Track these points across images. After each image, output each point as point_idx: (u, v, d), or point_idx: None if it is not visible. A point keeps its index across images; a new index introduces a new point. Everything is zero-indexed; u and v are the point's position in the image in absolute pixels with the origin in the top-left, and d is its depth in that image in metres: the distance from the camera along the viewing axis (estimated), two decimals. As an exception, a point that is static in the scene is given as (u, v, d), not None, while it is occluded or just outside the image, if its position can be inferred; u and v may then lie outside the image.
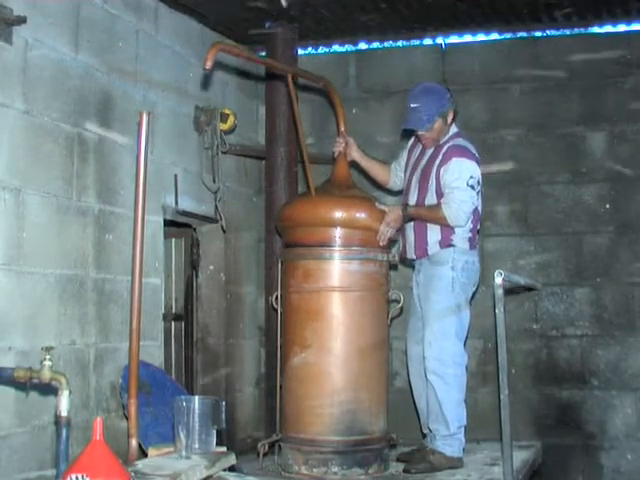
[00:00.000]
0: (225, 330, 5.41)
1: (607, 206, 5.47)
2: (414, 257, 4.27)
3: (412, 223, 4.24)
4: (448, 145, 4.19)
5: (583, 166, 5.52)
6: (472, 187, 4.08)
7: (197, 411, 3.28)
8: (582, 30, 5.58)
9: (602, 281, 5.43)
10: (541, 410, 5.45)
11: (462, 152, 4.14)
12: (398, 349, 5.51)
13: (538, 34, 5.65)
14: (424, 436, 4.44)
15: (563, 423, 5.41)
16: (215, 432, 3.35)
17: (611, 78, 5.50)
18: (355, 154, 4.43)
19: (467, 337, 4.33)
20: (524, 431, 5.30)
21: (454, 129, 4.31)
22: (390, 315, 4.36)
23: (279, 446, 4.26)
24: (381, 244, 4.12)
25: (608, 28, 5.55)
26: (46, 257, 3.77)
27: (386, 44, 5.87)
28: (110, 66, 4.27)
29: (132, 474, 2.87)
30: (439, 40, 5.77)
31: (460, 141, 4.22)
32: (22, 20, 3.56)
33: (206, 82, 5.17)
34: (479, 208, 4.25)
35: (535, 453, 4.91)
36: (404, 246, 4.33)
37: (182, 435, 3.24)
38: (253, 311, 5.71)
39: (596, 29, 5.57)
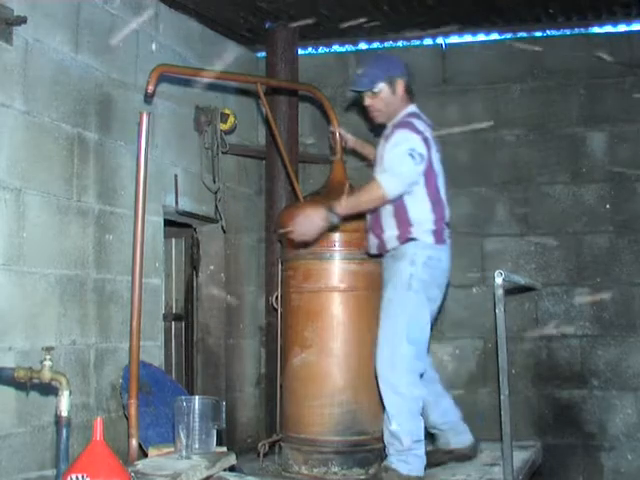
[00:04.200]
0: (225, 330, 5.41)
1: (607, 206, 5.47)
2: (375, 252, 3.97)
3: (369, 218, 3.96)
4: (398, 123, 3.88)
5: (583, 166, 5.52)
6: (412, 156, 3.68)
7: (197, 411, 3.29)
8: (582, 30, 5.58)
9: (602, 281, 5.43)
10: (541, 410, 5.45)
11: (406, 125, 3.80)
12: (398, 349, 5.51)
13: (538, 34, 5.65)
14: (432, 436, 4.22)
15: (563, 423, 5.40)
16: (215, 432, 3.35)
17: (611, 78, 5.49)
18: (352, 143, 4.39)
19: (429, 343, 3.93)
20: (524, 431, 5.30)
21: (412, 109, 3.95)
22: (390, 315, 4.36)
23: (279, 446, 4.27)
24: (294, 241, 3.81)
25: (608, 28, 5.55)
26: (46, 257, 3.77)
27: (386, 44, 5.87)
28: (110, 66, 4.27)
29: (132, 474, 2.88)
30: (439, 40, 5.77)
31: (410, 119, 3.86)
32: (22, 20, 3.56)
33: (206, 82, 5.17)
34: (443, 197, 3.87)
35: (535, 453, 4.90)
36: (367, 243, 4.04)
37: (182, 435, 3.24)
38: (253, 311, 5.71)
39: (596, 29, 5.57)
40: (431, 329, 3.86)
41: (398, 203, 3.77)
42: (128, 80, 4.42)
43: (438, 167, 3.86)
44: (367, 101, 3.92)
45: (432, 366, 4.13)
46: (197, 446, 3.26)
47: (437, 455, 4.08)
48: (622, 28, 5.52)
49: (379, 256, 4.00)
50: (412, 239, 3.75)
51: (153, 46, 4.66)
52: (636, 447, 5.31)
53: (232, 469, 3.43)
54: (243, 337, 5.61)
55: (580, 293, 5.46)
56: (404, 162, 3.67)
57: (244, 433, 5.47)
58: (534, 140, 5.60)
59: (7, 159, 3.56)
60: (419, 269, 3.71)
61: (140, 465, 3.13)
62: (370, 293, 4.14)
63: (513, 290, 5.05)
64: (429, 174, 3.78)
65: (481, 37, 5.74)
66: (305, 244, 3.92)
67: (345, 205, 3.68)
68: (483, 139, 5.64)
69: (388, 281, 3.83)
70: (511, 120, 5.64)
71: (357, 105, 4.15)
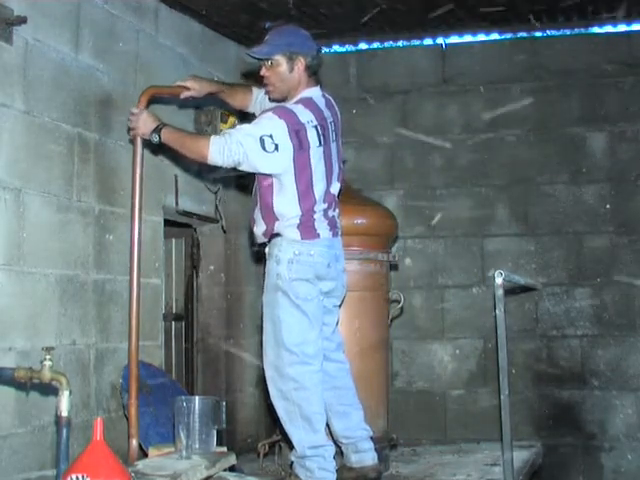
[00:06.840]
0: (225, 330, 5.41)
1: (607, 206, 5.48)
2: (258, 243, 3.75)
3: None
4: (277, 106, 3.58)
5: (583, 166, 5.53)
6: (262, 142, 3.39)
7: (197, 411, 3.29)
8: (582, 30, 5.58)
9: (602, 281, 5.43)
10: (541, 410, 5.45)
11: (281, 111, 3.49)
12: (398, 349, 5.53)
13: (538, 34, 5.66)
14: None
15: (563, 423, 5.41)
16: (215, 432, 3.35)
17: (611, 78, 5.50)
18: (208, 87, 3.96)
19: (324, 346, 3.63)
20: (524, 431, 5.30)
21: (309, 93, 3.59)
22: (390, 315, 4.36)
23: (279, 446, 4.27)
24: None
25: (608, 28, 5.55)
26: (46, 257, 3.77)
27: (386, 44, 5.87)
28: (110, 66, 4.27)
29: (132, 474, 2.88)
30: (439, 40, 5.77)
31: (296, 105, 3.54)
32: (22, 20, 3.56)
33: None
34: (319, 191, 3.54)
35: (535, 453, 4.91)
36: None
37: (182, 435, 3.24)
38: (253, 311, 5.70)
39: (596, 29, 5.57)
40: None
41: (266, 197, 3.55)
42: (128, 80, 4.42)
43: (321, 160, 3.54)
44: (263, 71, 3.61)
45: (348, 374, 3.80)
46: (197, 446, 3.26)
47: (342, 472, 3.72)
48: (622, 28, 5.53)
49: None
50: (277, 235, 3.53)
51: (153, 46, 4.66)
52: (636, 447, 5.32)
53: (232, 469, 3.43)
54: (243, 337, 5.61)
55: (580, 293, 5.47)
56: (247, 141, 3.42)
57: (244, 433, 5.47)
58: (534, 140, 5.61)
59: (7, 159, 3.56)
60: (284, 267, 3.47)
61: (140, 465, 3.13)
62: (370, 293, 4.15)
63: (513, 290, 5.06)
64: (302, 167, 3.48)
65: (481, 37, 5.74)
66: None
67: (171, 135, 3.60)
68: (483, 139, 5.64)
69: (265, 281, 3.61)
70: (511, 120, 5.65)
71: (254, 75, 3.87)
